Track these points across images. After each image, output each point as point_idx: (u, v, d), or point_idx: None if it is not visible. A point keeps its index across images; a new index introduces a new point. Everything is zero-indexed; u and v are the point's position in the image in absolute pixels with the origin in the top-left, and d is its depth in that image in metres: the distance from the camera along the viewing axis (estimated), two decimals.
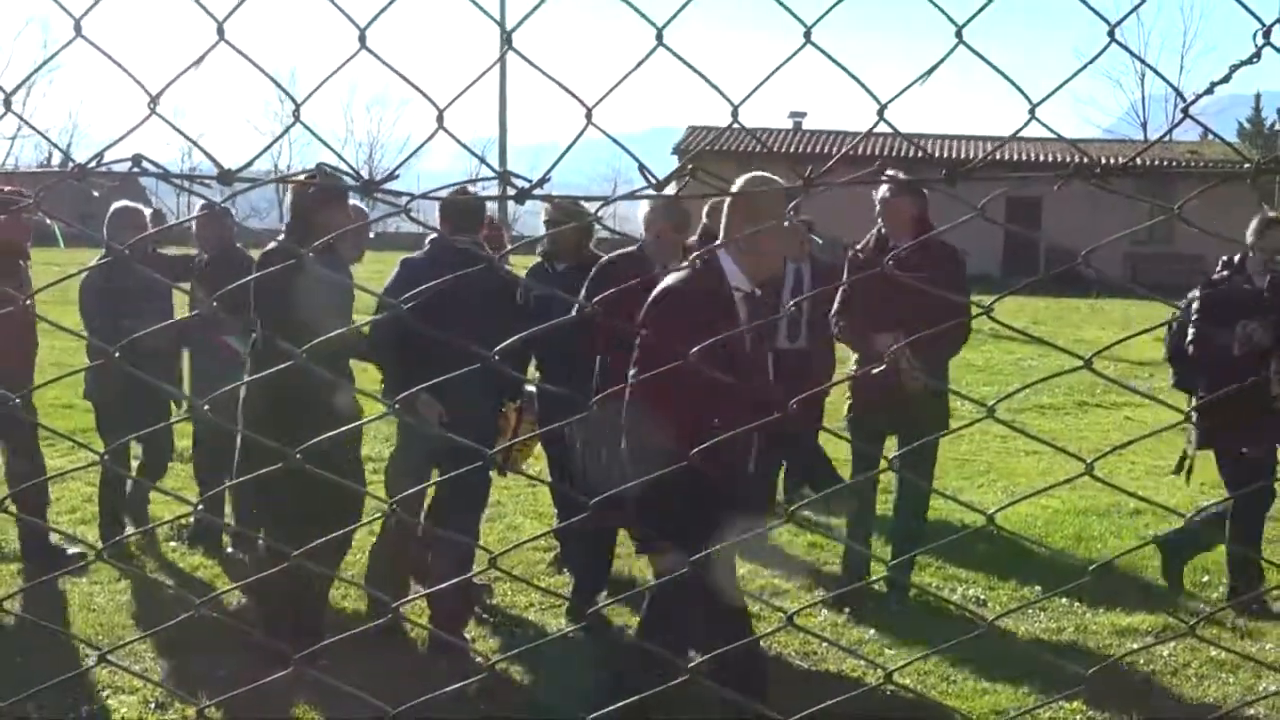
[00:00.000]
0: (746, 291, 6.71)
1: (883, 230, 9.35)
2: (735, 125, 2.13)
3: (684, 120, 62.56)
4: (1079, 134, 67.12)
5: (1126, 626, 8.94)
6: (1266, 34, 1.95)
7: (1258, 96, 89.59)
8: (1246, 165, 1.98)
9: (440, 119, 2.15)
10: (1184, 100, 2.04)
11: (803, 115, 60.60)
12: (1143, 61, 2.11)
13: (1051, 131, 2.13)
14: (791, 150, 52.88)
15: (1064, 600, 9.25)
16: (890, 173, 9.25)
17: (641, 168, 2.06)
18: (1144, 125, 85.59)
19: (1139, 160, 2.20)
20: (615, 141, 2.14)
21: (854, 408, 9.40)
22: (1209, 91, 2.02)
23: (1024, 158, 50.30)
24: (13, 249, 9.46)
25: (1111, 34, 1.97)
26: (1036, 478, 12.44)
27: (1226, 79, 1.98)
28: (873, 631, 8.78)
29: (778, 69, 1.98)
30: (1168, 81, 2.09)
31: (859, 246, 9.72)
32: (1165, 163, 49.66)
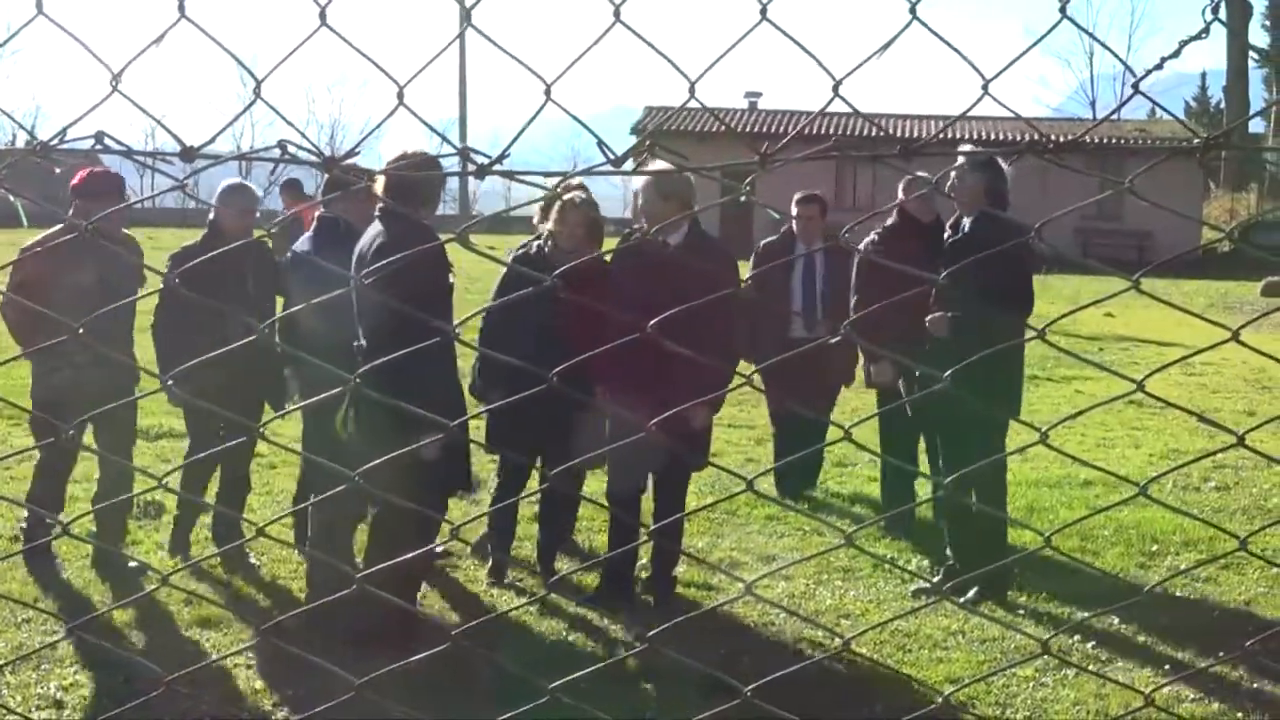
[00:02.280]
0: None
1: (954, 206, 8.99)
2: (692, 103, 2.13)
3: (642, 100, 62.57)
4: (1030, 112, 67.34)
5: (1079, 594, 8.98)
6: (1215, 9, 1.95)
7: (1203, 75, 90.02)
8: (1195, 142, 1.98)
9: (400, 96, 2.14)
10: (1134, 76, 2.05)
11: (758, 95, 60.69)
12: (1094, 38, 2.11)
13: (1005, 107, 2.13)
14: (748, 129, 52.86)
15: (1018, 570, 9.29)
16: (965, 148, 9.23)
17: (601, 145, 2.06)
18: (1093, 104, 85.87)
19: (1089, 137, 2.20)
20: (575, 118, 2.14)
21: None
22: (1159, 67, 2.03)
23: (978, 135, 50.38)
24: None
25: (1063, 11, 1.97)
26: None
27: (1176, 54, 1.98)
28: (830, 601, 8.79)
29: (735, 45, 1.98)
30: (1118, 58, 2.10)
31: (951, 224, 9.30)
32: (1114, 140, 49.86)
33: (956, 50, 2.17)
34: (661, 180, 8.12)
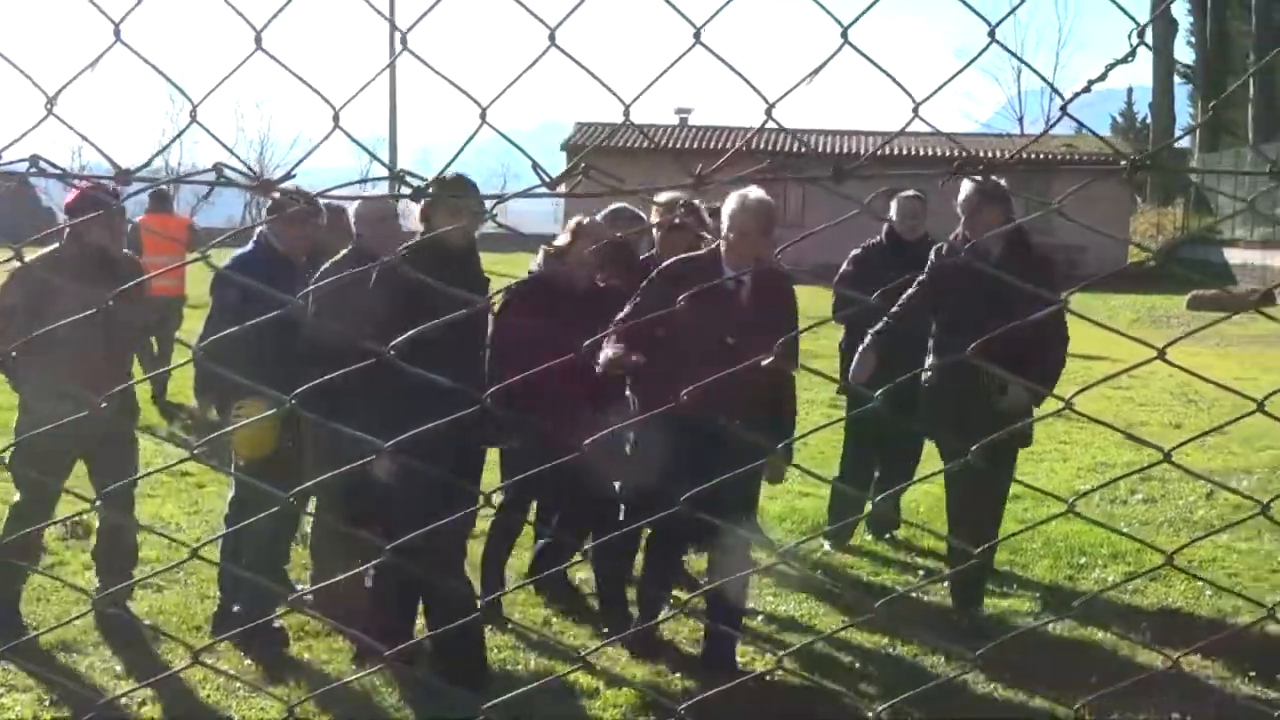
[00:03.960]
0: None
1: (965, 235, 8.77)
2: (625, 122, 2.15)
3: (569, 115, 62.60)
4: (958, 128, 67.77)
5: (1009, 609, 9.06)
6: (1141, 33, 1.99)
7: (1129, 91, 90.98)
8: (1123, 163, 2.02)
9: (336, 119, 2.14)
10: (1062, 99, 2.07)
11: (688, 111, 60.81)
12: (1022, 61, 2.14)
13: (933, 128, 2.15)
14: (677, 146, 52.92)
15: (947, 584, 9.35)
16: (969, 182, 9.08)
17: (535, 166, 2.06)
18: (1020, 119, 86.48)
19: (1022, 155, 2.23)
20: (510, 141, 2.15)
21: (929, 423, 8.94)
22: (1087, 90, 2.06)
23: (909, 153, 50.66)
24: None
25: (991, 35, 1.99)
26: (923, 463, 12.54)
27: (1102, 77, 2.01)
28: (760, 618, 8.82)
29: (667, 70, 2.00)
30: (1046, 81, 2.12)
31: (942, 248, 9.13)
32: (1044, 156, 50.18)
33: (887, 74, 2.19)
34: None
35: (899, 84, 2.11)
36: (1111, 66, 1.99)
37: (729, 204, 7.72)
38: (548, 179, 2.06)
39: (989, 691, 7.56)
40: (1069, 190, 2.30)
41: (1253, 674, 7.88)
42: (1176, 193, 56.33)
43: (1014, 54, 2.11)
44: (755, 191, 7.74)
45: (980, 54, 2.05)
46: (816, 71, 2.00)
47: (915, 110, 2.06)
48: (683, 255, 7.92)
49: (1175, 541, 10.60)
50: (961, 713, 7.32)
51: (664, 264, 7.88)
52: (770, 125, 2.19)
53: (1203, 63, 64.12)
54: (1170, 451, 2.57)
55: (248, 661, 7.85)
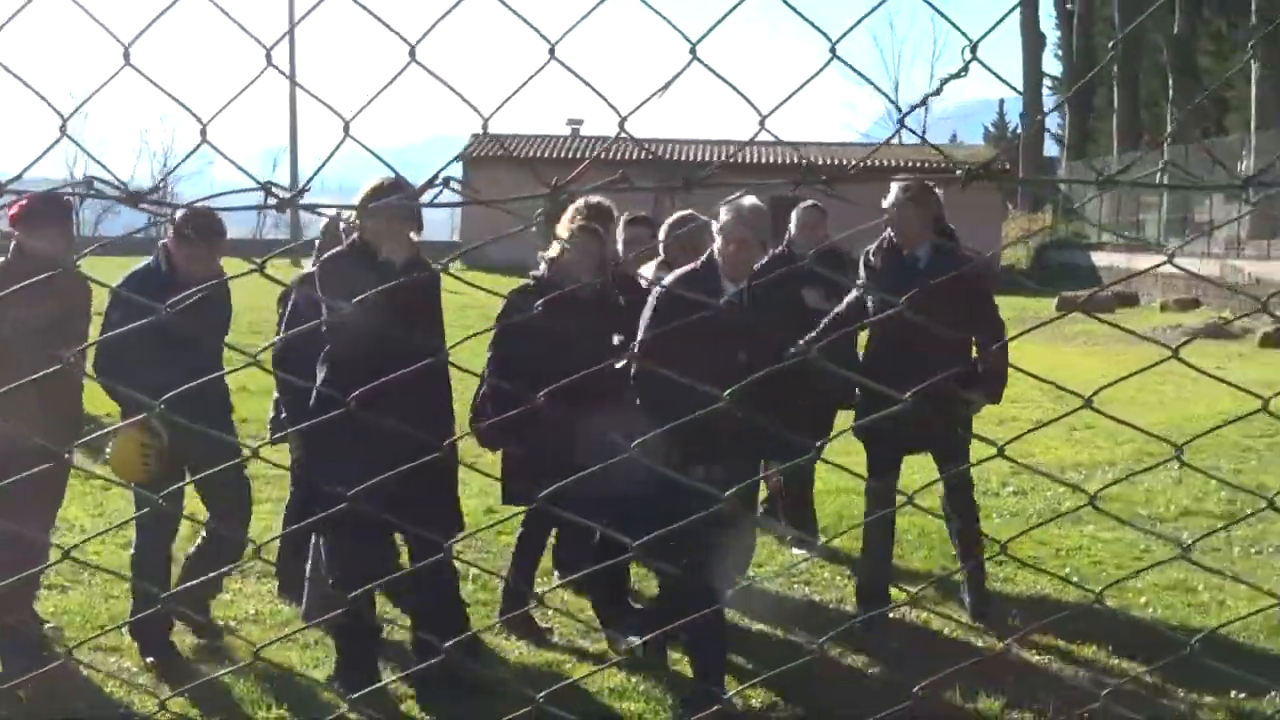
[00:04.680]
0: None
1: (894, 239, 8.61)
2: (517, 130, 2.15)
3: (466, 128, 62.47)
4: (839, 138, 68.17)
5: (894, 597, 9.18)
6: (973, 49, 2.02)
7: (1001, 102, 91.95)
8: (959, 172, 2.05)
9: (203, 133, 2.13)
10: (900, 111, 2.10)
11: (580, 122, 60.95)
12: (864, 78, 2.16)
13: (777, 139, 2.17)
14: (569, 156, 52.89)
15: (826, 574, 9.43)
16: (902, 177, 8.93)
17: (398, 178, 2.07)
18: (899, 129, 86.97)
19: (868, 163, 2.25)
20: (373, 153, 2.14)
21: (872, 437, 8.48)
22: (923, 104, 2.09)
23: (769, 161, 50.99)
24: None
25: (833, 51, 2.02)
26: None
27: (937, 92, 2.05)
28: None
29: (521, 87, 2.00)
30: (887, 96, 2.15)
31: (870, 252, 8.85)
32: (919, 164, 50.53)
33: (735, 89, 2.20)
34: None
35: (745, 98, 2.13)
36: (946, 81, 2.03)
37: (723, 215, 7.30)
38: (411, 189, 2.06)
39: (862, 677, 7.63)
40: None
41: (1117, 658, 8.02)
42: (1045, 199, 57.01)
43: (857, 71, 2.12)
44: (749, 199, 7.35)
45: (815, 76, 2.07)
46: (667, 86, 2.01)
47: (761, 123, 2.08)
48: (681, 273, 7.47)
49: (1044, 530, 10.73)
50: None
51: (663, 285, 7.45)
52: (645, 133, 2.20)
53: (1069, 75, 64.94)
54: (1003, 446, 2.61)
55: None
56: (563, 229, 8.73)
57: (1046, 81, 68.03)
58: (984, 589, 8.94)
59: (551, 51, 2.02)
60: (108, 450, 7.80)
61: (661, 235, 8.96)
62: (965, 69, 2.05)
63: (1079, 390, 2.69)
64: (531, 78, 1.99)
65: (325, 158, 2.08)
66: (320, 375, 7.04)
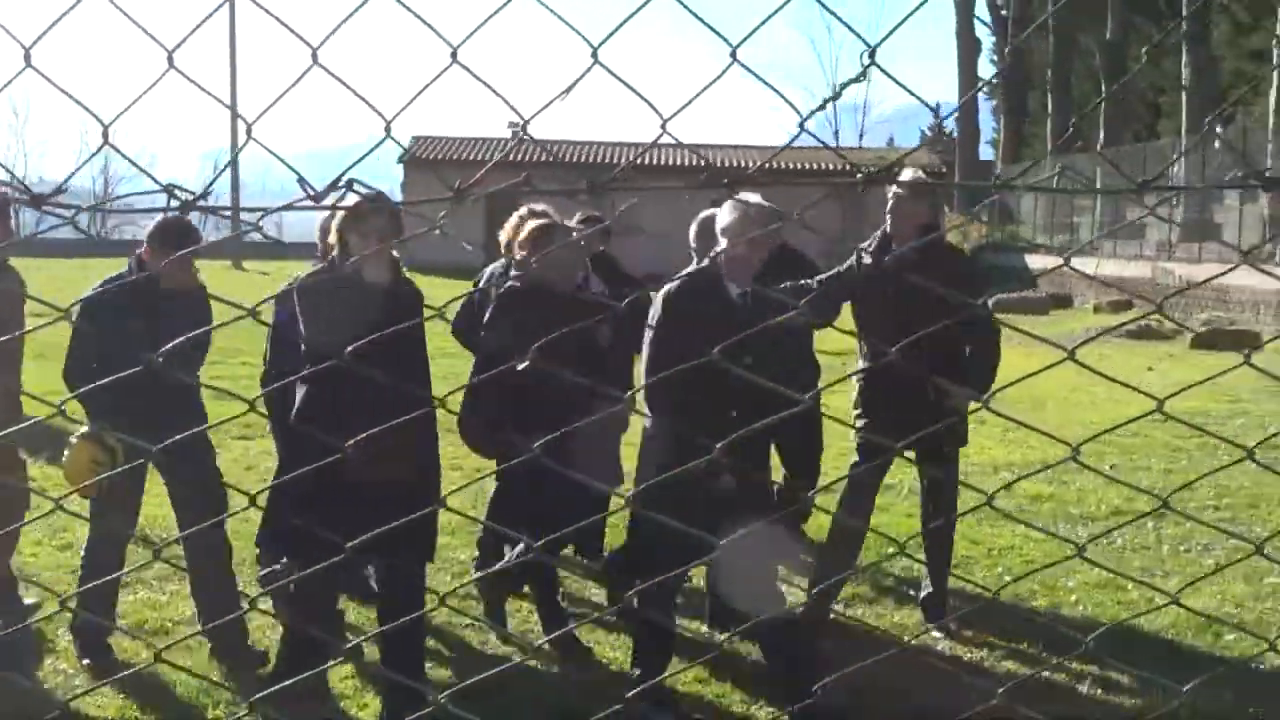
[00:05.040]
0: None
1: (888, 232, 8.49)
2: (457, 133, 2.12)
3: (407, 131, 62.26)
4: (772, 140, 68.28)
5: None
6: (871, 54, 2.00)
7: (937, 105, 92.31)
8: (859, 174, 2.04)
9: (106, 135, 2.10)
10: (800, 115, 2.08)
11: (518, 124, 61.07)
12: (767, 84, 2.14)
13: (678, 141, 2.15)
14: (512, 159, 52.88)
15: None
16: (907, 174, 8.70)
17: (300, 180, 2.04)
18: (836, 133, 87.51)
19: (772, 164, 2.23)
20: (275, 155, 2.12)
21: (867, 426, 8.41)
22: (822, 108, 2.07)
23: (687, 163, 51.31)
24: None
25: (733, 55, 2.00)
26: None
27: (837, 96, 2.04)
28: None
29: (423, 90, 1.98)
30: (789, 102, 2.13)
31: (866, 248, 8.61)
32: (847, 167, 50.69)
33: (637, 93, 2.19)
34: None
35: (647, 101, 2.11)
36: (844, 86, 2.02)
37: (728, 216, 7.06)
38: (313, 192, 2.03)
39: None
40: (815, 199, 2.32)
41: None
42: (981, 202, 57.32)
43: (758, 76, 2.11)
44: (754, 198, 7.12)
45: (722, 74, 2.05)
46: (569, 89, 2.00)
47: (663, 126, 2.06)
48: (682, 279, 7.11)
49: (977, 530, 10.79)
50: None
51: (665, 294, 6.99)
52: (564, 135, 2.18)
53: (1003, 79, 65.31)
54: (900, 448, 2.59)
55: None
56: (508, 234, 8.71)
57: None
58: (945, 590, 8.89)
59: (454, 55, 2.00)
60: (64, 457, 7.59)
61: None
62: (864, 74, 2.04)
63: (1015, 391, 2.66)
64: (432, 81, 1.96)
65: (228, 161, 2.05)
66: (299, 395, 6.87)
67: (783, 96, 2.21)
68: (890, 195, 8.40)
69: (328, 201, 1.98)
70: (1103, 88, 51.22)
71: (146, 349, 6.46)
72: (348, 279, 6.70)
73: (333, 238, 6.89)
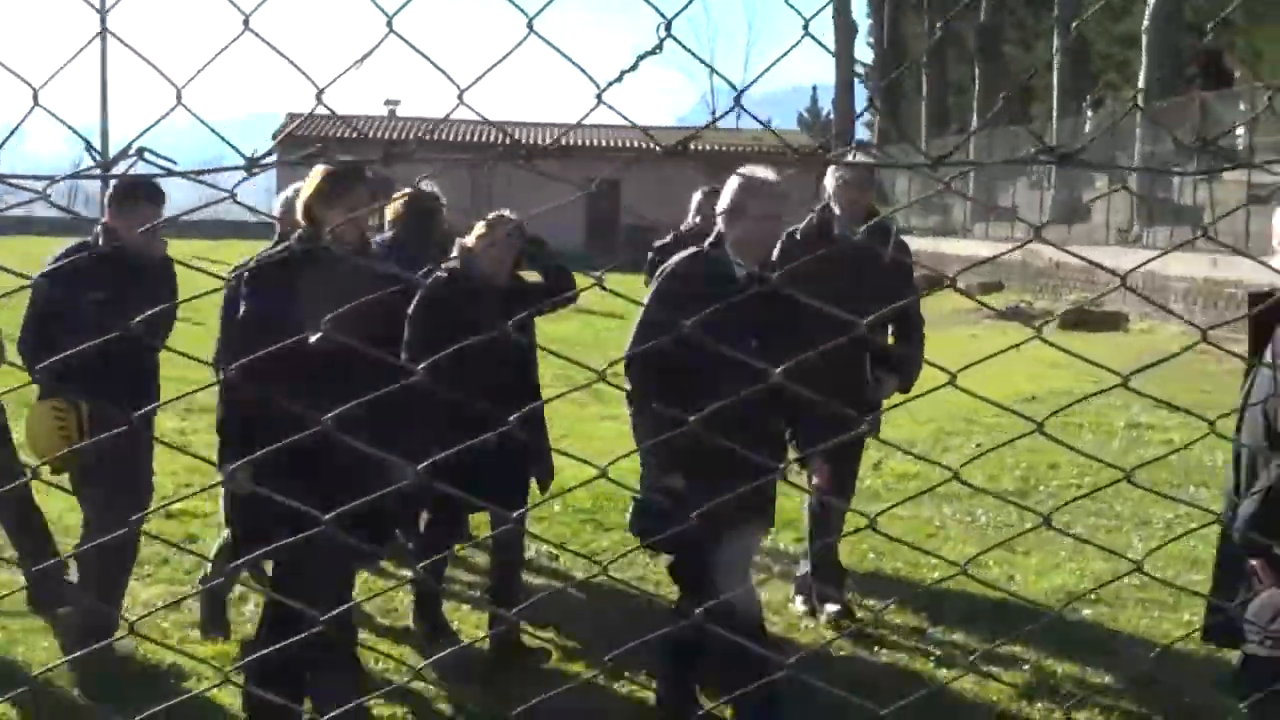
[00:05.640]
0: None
1: (831, 215, 8.35)
2: (331, 110, 2.18)
3: (284, 106, 61.71)
4: (652, 121, 68.39)
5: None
6: (668, 26, 2.08)
7: (814, 89, 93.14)
8: (795, 154, 2.13)
9: (35, 97, 2.13)
10: (599, 89, 2.15)
11: (396, 103, 60.74)
12: (697, 56, 2.24)
13: (621, 115, 2.21)
14: (385, 136, 52.50)
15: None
16: (859, 156, 8.50)
17: (88, 146, 2.08)
18: (713, 113, 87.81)
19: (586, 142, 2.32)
20: (203, 122, 2.16)
21: None
22: (619, 80, 2.14)
23: (598, 143, 51.30)
24: None
25: (668, 28, 2.08)
26: (613, 441, 12.63)
27: (634, 68, 2.10)
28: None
29: (362, 59, 2.04)
30: (723, 76, 2.22)
31: (798, 230, 8.44)
32: (727, 148, 50.93)
33: (572, 61, 2.27)
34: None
35: (584, 71, 2.19)
36: (641, 58, 2.08)
37: (738, 190, 6.54)
38: (100, 158, 2.07)
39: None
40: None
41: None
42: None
43: (555, 47, 2.18)
44: (763, 171, 6.63)
45: (653, 49, 2.13)
46: (502, 60, 2.06)
47: (598, 97, 2.14)
48: (684, 256, 6.60)
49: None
50: None
51: (668, 270, 6.56)
52: (465, 115, 2.25)
53: (880, 62, 65.90)
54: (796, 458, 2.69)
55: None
56: (391, 214, 8.66)
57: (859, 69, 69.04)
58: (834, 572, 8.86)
59: (389, 23, 2.06)
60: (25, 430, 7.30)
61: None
62: (659, 46, 2.11)
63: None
64: (369, 53, 2.03)
65: (150, 124, 2.09)
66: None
67: (581, 69, 2.29)
68: (835, 180, 8.34)
69: (118, 170, 2.02)
70: (976, 71, 51.78)
71: (111, 323, 6.22)
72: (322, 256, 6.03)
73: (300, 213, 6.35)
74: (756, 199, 6.46)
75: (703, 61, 2.23)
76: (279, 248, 6.45)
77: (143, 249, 7.28)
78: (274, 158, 2.17)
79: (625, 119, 2.31)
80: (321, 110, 2.12)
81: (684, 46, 2.21)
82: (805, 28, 2.17)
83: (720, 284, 6.14)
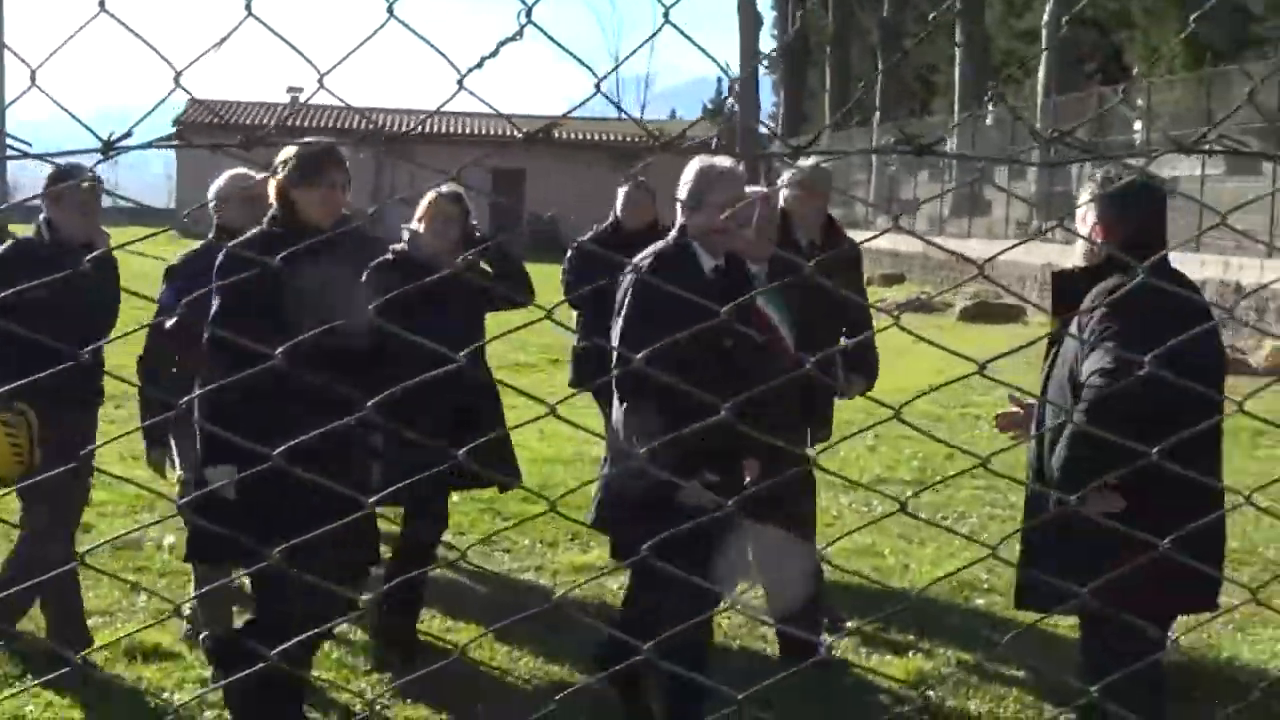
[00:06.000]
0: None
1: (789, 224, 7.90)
2: (233, 98, 2.16)
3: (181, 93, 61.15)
4: (554, 111, 68.30)
5: (584, 563, 9.46)
6: (528, 14, 2.08)
7: (719, 80, 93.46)
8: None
9: None
10: (458, 70, 2.14)
11: (300, 90, 60.48)
12: (557, 43, 2.23)
13: (483, 102, 2.20)
14: (291, 124, 52.10)
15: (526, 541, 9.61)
16: (804, 163, 8.15)
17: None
18: (617, 104, 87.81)
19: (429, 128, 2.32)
20: (61, 107, 2.13)
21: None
22: (478, 66, 2.13)
23: (459, 131, 51.15)
24: None
25: (529, 15, 2.07)
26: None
27: (494, 54, 2.09)
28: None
29: (220, 42, 2.02)
30: (442, 54, 2.21)
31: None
32: (629, 138, 50.98)
33: (434, 47, 2.25)
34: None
35: (445, 57, 2.17)
36: (502, 44, 2.08)
37: (697, 176, 6.32)
38: (106, 145, 2.06)
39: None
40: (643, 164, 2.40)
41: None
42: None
43: (418, 33, 2.17)
44: (724, 161, 6.42)
45: (511, 37, 2.12)
46: (358, 47, 2.05)
47: (459, 82, 2.13)
48: (654, 254, 6.33)
49: None
50: None
51: (636, 274, 6.16)
52: (328, 100, 2.24)
53: (785, 55, 66.20)
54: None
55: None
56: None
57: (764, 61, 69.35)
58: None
59: (248, 6, 2.04)
60: None
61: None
62: (520, 33, 2.11)
63: None
64: (225, 39, 2.01)
65: (7, 105, 2.06)
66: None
67: (439, 51, 2.28)
68: (792, 188, 8.02)
69: None
70: (879, 64, 52.19)
71: (53, 320, 5.95)
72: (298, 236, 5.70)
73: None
74: (715, 188, 6.25)
75: (564, 48, 2.21)
76: (246, 236, 6.16)
77: (82, 239, 7.01)
78: (133, 140, 2.14)
79: (488, 106, 2.29)
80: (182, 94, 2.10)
81: (545, 34, 2.20)
82: (666, 15, 2.17)
83: (692, 278, 5.97)
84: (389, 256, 7.47)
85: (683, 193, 6.36)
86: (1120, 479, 4.67)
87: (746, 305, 6.24)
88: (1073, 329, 5.11)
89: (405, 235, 7.63)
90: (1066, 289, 5.29)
